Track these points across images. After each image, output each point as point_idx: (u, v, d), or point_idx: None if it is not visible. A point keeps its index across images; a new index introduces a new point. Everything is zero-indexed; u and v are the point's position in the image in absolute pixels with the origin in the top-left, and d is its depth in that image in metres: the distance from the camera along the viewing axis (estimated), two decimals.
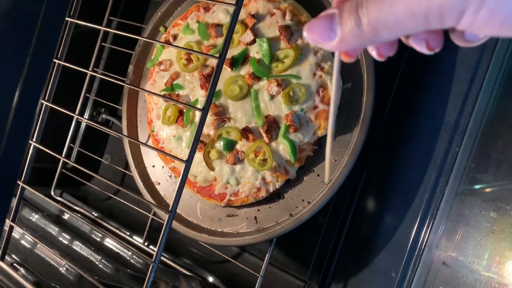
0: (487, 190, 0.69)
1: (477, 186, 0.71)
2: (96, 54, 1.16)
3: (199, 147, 0.90)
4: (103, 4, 1.18)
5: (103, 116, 1.29)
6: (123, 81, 1.09)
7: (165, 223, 0.68)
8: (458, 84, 0.75)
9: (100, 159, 1.24)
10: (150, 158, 1.03)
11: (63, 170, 1.16)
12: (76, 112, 1.15)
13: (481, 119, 0.71)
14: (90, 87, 1.25)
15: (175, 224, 0.92)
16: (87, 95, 1.19)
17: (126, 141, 1.05)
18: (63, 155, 1.17)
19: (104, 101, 1.21)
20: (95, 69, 1.18)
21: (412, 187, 0.79)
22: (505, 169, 0.67)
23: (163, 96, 0.90)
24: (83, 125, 1.25)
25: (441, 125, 0.76)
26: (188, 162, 0.65)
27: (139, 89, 1.04)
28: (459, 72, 0.76)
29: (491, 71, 0.71)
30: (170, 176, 0.98)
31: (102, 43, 1.18)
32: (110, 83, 1.22)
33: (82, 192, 1.29)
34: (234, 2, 0.60)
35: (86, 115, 1.25)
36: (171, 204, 0.97)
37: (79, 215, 1.14)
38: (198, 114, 0.91)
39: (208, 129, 0.89)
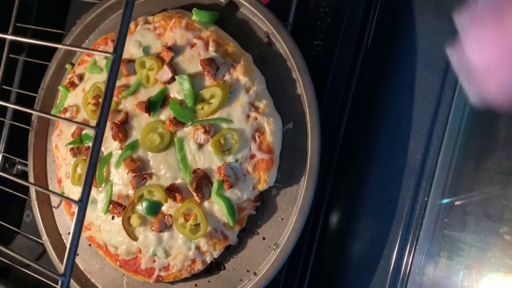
0: (462, 250, 0.56)
1: (450, 245, 0.58)
2: None
3: (117, 212, 0.73)
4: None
5: (18, 168, 1.09)
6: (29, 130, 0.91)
7: None
8: (419, 118, 0.62)
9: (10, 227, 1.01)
10: (66, 224, 0.85)
11: None
12: None
13: (449, 161, 0.58)
14: None
15: None
16: None
17: (35, 204, 0.87)
18: None
19: (12, 156, 1.02)
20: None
21: (375, 244, 0.65)
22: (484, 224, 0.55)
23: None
24: None
25: (403, 169, 0.62)
26: (82, 202, 0.47)
27: None
28: (420, 104, 0.63)
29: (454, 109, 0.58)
30: (90, 245, 0.81)
31: (3, 87, 0.98)
32: (20, 130, 1.05)
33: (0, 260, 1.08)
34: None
35: None
36: (94, 281, 0.81)
37: None
38: (113, 170, 0.74)
39: (127, 189, 0.73)
